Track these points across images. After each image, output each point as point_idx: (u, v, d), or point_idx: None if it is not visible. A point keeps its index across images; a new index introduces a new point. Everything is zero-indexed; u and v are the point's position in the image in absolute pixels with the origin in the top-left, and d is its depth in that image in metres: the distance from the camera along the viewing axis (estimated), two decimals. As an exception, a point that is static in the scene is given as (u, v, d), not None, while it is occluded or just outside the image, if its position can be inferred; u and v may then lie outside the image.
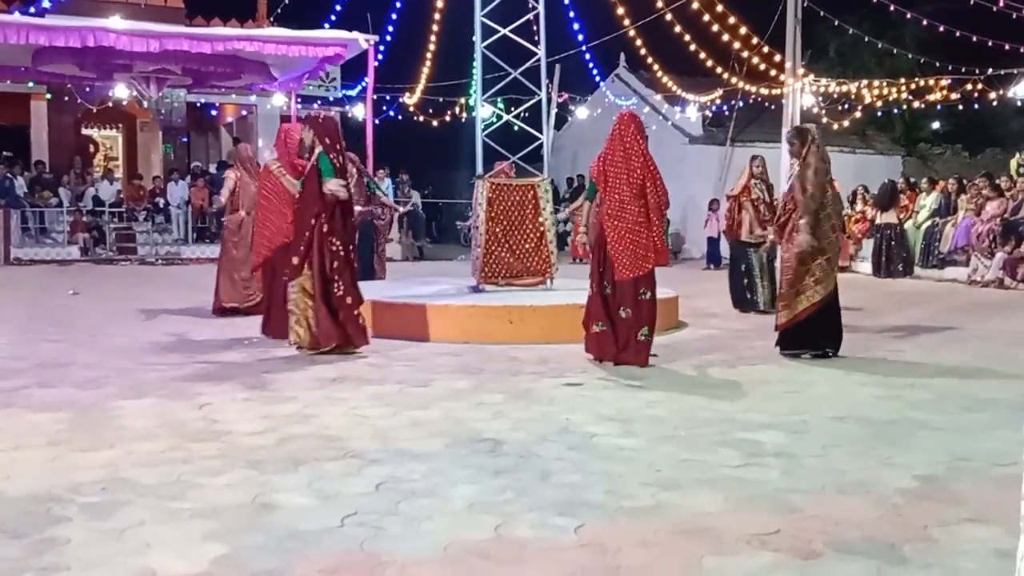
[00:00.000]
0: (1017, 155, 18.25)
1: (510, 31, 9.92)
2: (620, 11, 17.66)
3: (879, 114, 25.12)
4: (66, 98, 21.14)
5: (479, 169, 9.47)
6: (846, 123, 23.72)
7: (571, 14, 16.25)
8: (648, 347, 6.75)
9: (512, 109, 10.65)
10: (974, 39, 18.90)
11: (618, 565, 2.99)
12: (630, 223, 6.64)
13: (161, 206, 20.89)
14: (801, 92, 20.13)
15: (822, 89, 22.61)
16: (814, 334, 7.14)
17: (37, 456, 4.20)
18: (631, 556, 3.07)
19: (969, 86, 21.53)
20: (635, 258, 6.63)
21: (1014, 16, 17.77)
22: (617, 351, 6.72)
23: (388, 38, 17.62)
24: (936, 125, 27.18)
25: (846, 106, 23.83)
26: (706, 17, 18.25)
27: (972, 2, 17.85)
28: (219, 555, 3.03)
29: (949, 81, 21.97)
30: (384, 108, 23.99)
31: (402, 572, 2.93)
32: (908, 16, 20.42)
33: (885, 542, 3.19)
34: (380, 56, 16.85)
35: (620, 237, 6.65)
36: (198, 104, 23.73)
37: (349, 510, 3.47)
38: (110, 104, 21.29)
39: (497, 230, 9.17)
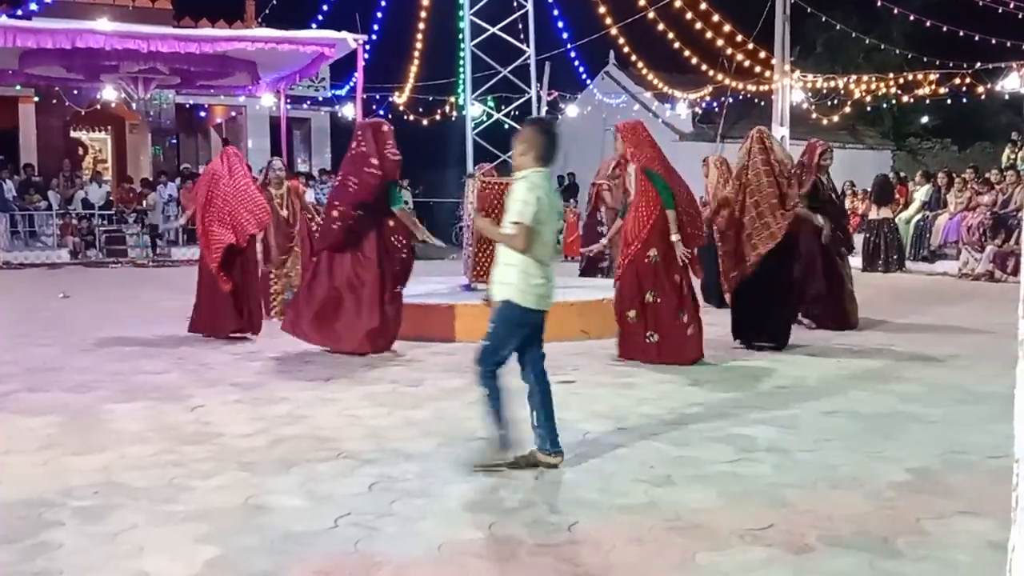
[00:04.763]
0: (1008, 147, 18.26)
1: (499, 30, 9.92)
2: (609, 9, 17.69)
3: (868, 109, 25.21)
4: (54, 101, 21.07)
5: (470, 168, 9.45)
6: (835, 118, 23.78)
7: (555, 12, 16.22)
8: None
9: (502, 107, 10.63)
10: (961, 34, 18.99)
11: (612, 562, 3.00)
12: None
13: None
14: (790, 88, 20.18)
15: (811, 85, 22.69)
16: (764, 319, 7.15)
17: (29, 461, 4.18)
18: (625, 553, 3.07)
19: (957, 80, 21.64)
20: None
21: (1000, 11, 17.86)
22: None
23: (374, 37, 17.59)
24: (925, 119, 27.30)
25: (835, 101, 23.92)
26: (689, 15, 18.27)
27: (959, -4, 17.94)
28: (212, 557, 3.03)
29: (937, 75, 22.08)
30: (374, 107, 23.92)
31: (396, 572, 2.93)
32: (896, 11, 20.51)
33: (878, 535, 3.20)
34: (367, 55, 16.81)
35: None
36: (187, 105, 23.66)
37: (342, 511, 3.46)
38: (98, 107, 21.22)
39: (488, 228, 9.15)
